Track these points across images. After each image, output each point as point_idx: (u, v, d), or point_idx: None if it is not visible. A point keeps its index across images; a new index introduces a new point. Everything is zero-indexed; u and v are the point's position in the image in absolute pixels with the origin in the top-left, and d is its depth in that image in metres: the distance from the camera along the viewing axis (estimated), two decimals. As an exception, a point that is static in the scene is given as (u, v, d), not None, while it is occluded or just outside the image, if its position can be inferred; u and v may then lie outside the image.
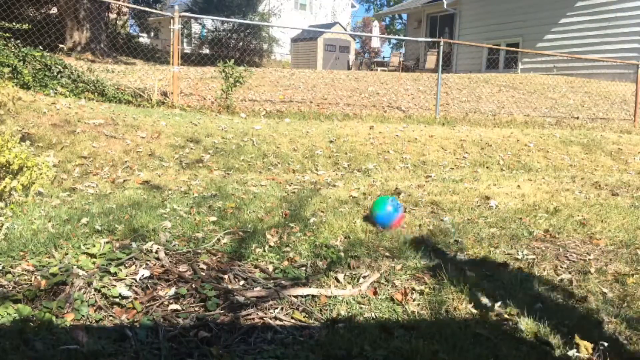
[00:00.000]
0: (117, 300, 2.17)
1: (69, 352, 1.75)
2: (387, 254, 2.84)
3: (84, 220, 3.06)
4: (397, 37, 28.19)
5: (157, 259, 2.58)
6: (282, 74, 11.37)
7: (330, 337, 1.97)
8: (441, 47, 9.04)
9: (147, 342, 1.88)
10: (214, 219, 3.27)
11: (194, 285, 2.32)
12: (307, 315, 2.17)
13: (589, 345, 1.96)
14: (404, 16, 28.95)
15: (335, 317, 2.15)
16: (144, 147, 5.12)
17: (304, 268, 2.64)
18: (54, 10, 14.95)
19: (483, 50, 17.52)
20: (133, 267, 2.47)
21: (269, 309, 2.19)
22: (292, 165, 5.38)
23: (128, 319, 2.05)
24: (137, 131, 5.38)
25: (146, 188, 4.05)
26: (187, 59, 12.81)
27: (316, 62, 21.76)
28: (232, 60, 7.39)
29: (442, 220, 3.56)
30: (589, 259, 2.93)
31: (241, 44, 20.29)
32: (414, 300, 2.34)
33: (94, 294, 2.18)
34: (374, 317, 2.18)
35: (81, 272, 2.30)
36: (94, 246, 2.65)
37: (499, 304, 2.32)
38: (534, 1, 15.92)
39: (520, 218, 3.65)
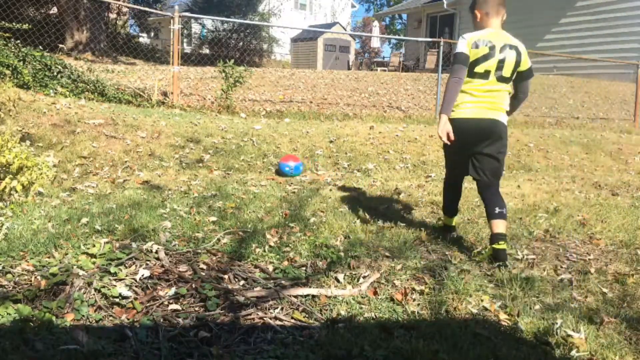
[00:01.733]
0: (117, 300, 2.17)
1: (69, 352, 1.75)
2: (387, 254, 2.83)
3: (84, 220, 3.06)
4: (397, 37, 28.20)
5: (157, 259, 2.58)
6: (282, 74, 11.37)
7: (330, 337, 1.97)
8: (441, 47, 9.04)
9: (147, 342, 1.88)
10: (214, 219, 3.27)
11: (194, 285, 2.32)
12: (307, 315, 2.17)
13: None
14: (404, 16, 28.93)
15: (335, 317, 2.15)
16: (144, 147, 5.12)
17: (304, 268, 2.64)
18: (54, 10, 14.93)
19: (483, 50, 17.51)
20: (133, 267, 2.47)
21: (269, 309, 2.19)
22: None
23: (128, 319, 2.05)
24: (137, 131, 5.38)
25: (146, 188, 4.05)
26: (187, 59, 12.79)
27: (316, 62, 21.75)
28: (232, 60, 7.38)
29: (442, 220, 3.56)
30: (589, 259, 2.93)
31: (241, 44, 20.27)
32: (414, 300, 2.34)
33: (94, 294, 2.18)
34: (374, 317, 2.18)
35: (81, 272, 2.30)
36: (94, 246, 2.65)
37: (499, 303, 2.32)
38: (534, 1, 15.92)
39: (520, 218, 3.65)
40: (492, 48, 2.79)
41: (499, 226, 2.79)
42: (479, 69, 2.80)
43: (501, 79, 2.83)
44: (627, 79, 12.66)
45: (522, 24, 16.26)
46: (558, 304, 2.34)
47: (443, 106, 2.81)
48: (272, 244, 2.88)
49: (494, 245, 2.77)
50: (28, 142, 4.27)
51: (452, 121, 2.82)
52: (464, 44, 2.81)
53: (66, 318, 1.99)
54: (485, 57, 2.78)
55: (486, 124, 2.83)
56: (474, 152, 2.89)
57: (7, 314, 1.97)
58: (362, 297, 2.34)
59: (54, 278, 2.23)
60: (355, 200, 4.02)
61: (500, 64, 2.80)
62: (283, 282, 2.46)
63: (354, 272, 2.57)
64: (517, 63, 2.85)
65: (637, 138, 8.17)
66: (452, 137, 2.77)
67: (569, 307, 2.31)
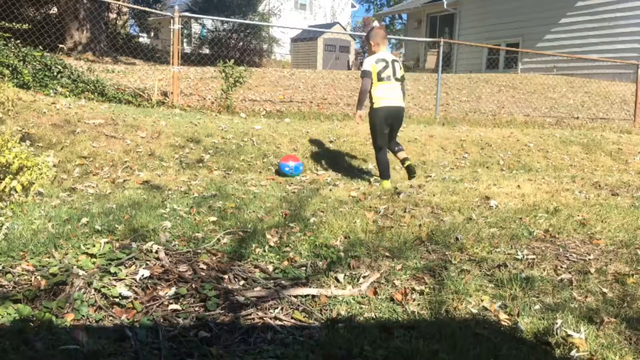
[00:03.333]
0: (117, 300, 2.17)
1: (69, 352, 1.75)
2: (387, 254, 2.83)
3: (84, 220, 3.06)
4: (397, 37, 28.16)
5: (157, 259, 2.58)
6: (282, 74, 11.37)
7: (330, 337, 1.97)
8: (441, 47, 9.04)
9: (147, 342, 1.88)
10: (214, 219, 3.27)
11: (194, 285, 2.32)
12: (307, 315, 2.17)
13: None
14: (404, 16, 28.92)
15: (335, 317, 2.15)
16: (144, 147, 5.12)
17: (304, 268, 2.64)
18: (54, 10, 14.92)
19: (483, 50, 17.52)
20: (133, 267, 2.47)
21: (269, 309, 2.19)
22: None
23: (128, 319, 2.05)
24: (137, 131, 5.38)
25: (146, 188, 4.05)
26: (187, 59, 12.78)
27: (316, 62, 21.75)
28: (232, 60, 7.38)
29: (442, 220, 3.56)
30: (589, 259, 2.93)
31: (241, 44, 20.24)
32: (414, 300, 2.34)
33: (94, 294, 2.18)
34: (374, 317, 2.18)
35: (81, 272, 2.30)
36: (94, 246, 2.65)
37: (499, 303, 2.32)
38: (534, 1, 15.92)
39: (520, 218, 3.64)
40: (386, 62, 4.57)
41: (403, 154, 4.84)
42: (384, 75, 4.53)
43: (397, 80, 4.60)
44: (627, 79, 12.66)
45: (523, 24, 16.28)
46: (558, 304, 2.34)
47: (358, 106, 4.74)
48: (272, 244, 2.88)
49: (407, 164, 4.80)
50: (28, 142, 4.27)
51: (379, 109, 4.58)
52: (368, 64, 4.58)
53: (66, 318, 1.99)
54: (384, 68, 4.54)
55: (398, 109, 4.64)
56: (391, 126, 4.69)
57: (7, 314, 1.97)
58: (362, 297, 2.33)
59: (54, 278, 2.23)
60: (356, 200, 4.02)
61: (394, 70, 4.56)
62: (283, 282, 2.46)
63: (354, 272, 2.57)
64: (400, 68, 4.65)
65: (637, 138, 8.17)
66: (361, 122, 4.92)
67: (569, 307, 2.30)
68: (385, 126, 4.61)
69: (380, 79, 4.51)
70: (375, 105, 4.57)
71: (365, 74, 4.55)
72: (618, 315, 2.24)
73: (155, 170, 4.77)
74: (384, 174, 4.66)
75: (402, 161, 4.81)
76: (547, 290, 2.50)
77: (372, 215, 3.55)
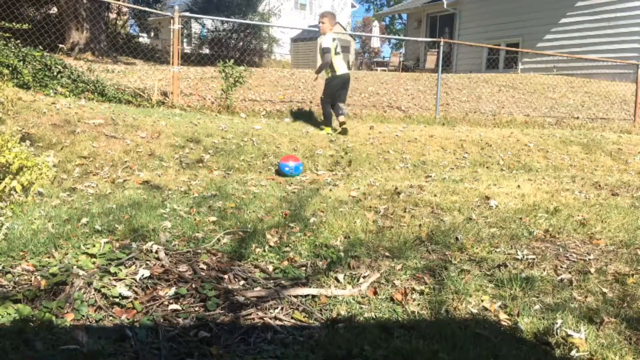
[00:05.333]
0: (117, 300, 2.17)
1: (69, 352, 1.75)
2: (387, 254, 2.83)
3: (84, 220, 3.06)
4: (397, 37, 28.13)
5: (157, 259, 2.58)
6: (282, 74, 11.36)
7: (330, 337, 1.97)
8: (441, 47, 9.04)
9: (147, 342, 1.88)
10: (214, 219, 3.27)
11: (194, 285, 2.32)
12: (307, 315, 2.18)
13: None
14: (404, 16, 28.91)
15: (335, 317, 2.15)
16: (144, 147, 5.12)
17: (304, 268, 2.64)
18: (54, 10, 14.92)
19: (483, 50, 17.51)
20: (133, 267, 2.47)
21: (269, 309, 2.19)
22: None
23: (128, 319, 2.05)
24: (137, 131, 5.38)
25: (146, 188, 4.04)
26: (187, 59, 12.77)
27: (316, 62, 21.68)
28: (232, 60, 7.37)
29: (442, 220, 3.56)
30: (589, 259, 2.93)
31: (241, 44, 20.20)
32: (414, 300, 2.34)
33: (94, 294, 2.18)
34: (374, 317, 2.18)
35: (81, 272, 2.30)
36: (94, 246, 2.65)
37: (499, 303, 2.32)
38: (534, 1, 15.91)
39: (520, 218, 3.64)
40: (335, 41, 6.29)
41: (342, 119, 6.40)
42: (337, 50, 6.27)
43: (340, 52, 6.37)
44: (627, 79, 12.66)
45: (523, 24, 16.28)
46: (558, 304, 2.34)
47: (318, 72, 6.56)
48: (272, 244, 2.88)
49: (342, 126, 6.36)
50: (28, 142, 4.27)
51: (338, 76, 6.32)
52: (328, 43, 6.22)
53: (66, 318, 1.99)
54: (337, 46, 6.25)
55: (348, 75, 6.51)
56: (342, 88, 6.45)
57: (7, 314, 1.97)
58: (362, 297, 2.34)
59: (54, 278, 2.24)
60: (355, 200, 4.02)
61: (338, 45, 6.31)
62: (283, 282, 2.46)
63: (354, 272, 2.57)
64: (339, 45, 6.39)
65: (637, 138, 8.17)
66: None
67: (569, 307, 2.31)
68: (339, 87, 6.34)
69: (336, 54, 6.26)
70: (336, 73, 6.27)
71: (327, 50, 6.18)
72: (618, 315, 2.24)
73: (155, 170, 4.77)
74: (326, 122, 6.46)
75: (340, 123, 6.39)
76: (547, 290, 2.50)
77: (372, 215, 3.55)
